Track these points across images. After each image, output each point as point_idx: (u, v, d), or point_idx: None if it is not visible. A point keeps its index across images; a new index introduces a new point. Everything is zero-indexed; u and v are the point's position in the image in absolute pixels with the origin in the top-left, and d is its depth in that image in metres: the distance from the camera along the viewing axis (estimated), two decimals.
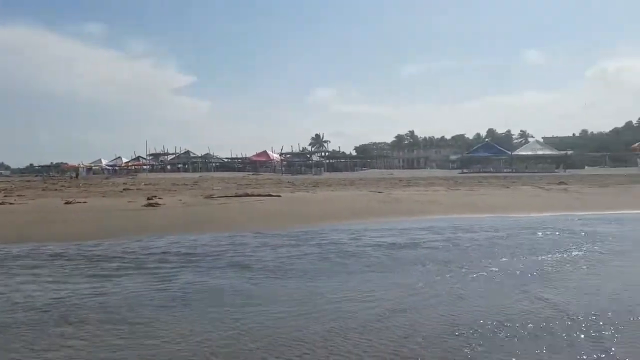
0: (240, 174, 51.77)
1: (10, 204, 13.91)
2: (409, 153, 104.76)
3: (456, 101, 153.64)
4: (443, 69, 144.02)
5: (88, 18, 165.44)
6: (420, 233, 9.66)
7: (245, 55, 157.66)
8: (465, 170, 48.90)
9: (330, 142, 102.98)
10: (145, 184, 27.26)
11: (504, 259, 7.06)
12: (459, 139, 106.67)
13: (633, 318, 4.38)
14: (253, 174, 52.33)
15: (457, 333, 4.03)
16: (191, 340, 3.94)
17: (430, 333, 4.04)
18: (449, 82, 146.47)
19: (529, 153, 56.48)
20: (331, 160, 79.38)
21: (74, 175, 59.20)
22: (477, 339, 3.90)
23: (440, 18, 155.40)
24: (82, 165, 74.17)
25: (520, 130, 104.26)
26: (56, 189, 22.11)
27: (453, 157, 78.42)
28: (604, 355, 3.57)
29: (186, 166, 74.76)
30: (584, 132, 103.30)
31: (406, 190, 19.73)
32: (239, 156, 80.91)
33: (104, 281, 5.86)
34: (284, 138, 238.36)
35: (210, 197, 16.20)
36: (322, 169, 63.25)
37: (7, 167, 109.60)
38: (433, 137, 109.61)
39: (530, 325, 4.20)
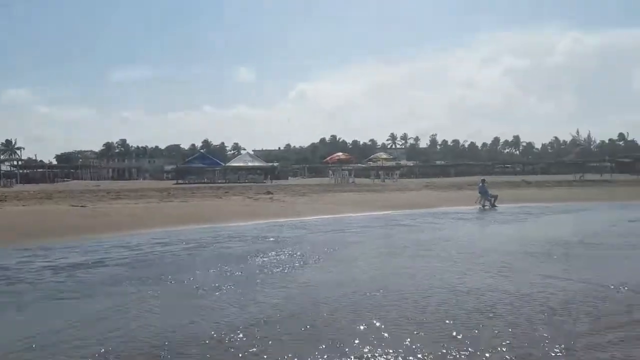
0: None
1: None
2: (120, 163, 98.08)
3: (171, 110, 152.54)
4: (157, 77, 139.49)
5: None
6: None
7: None
8: (180, 181, 48.58)
9: (24, 149, 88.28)
10: None
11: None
12: (173, 149, 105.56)
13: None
14: None
15: None
16: None
17: None
18: (164, 90, 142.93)
19: (241, 164, 59.97)
20: (26, 171, 67.35)
21: None
22: None
23: (154, 24, 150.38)
24: None
25: (234, 143, 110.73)
26: None
27: (168, 168, 77.21)
28: None
29: None
30: (288, 146, 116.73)
31: (113, 204, 18.11)
32: None
33: None
34: None
35: None
36: (14, 180, 52.80)
37: None
38: (147, 146, 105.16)
39: None
